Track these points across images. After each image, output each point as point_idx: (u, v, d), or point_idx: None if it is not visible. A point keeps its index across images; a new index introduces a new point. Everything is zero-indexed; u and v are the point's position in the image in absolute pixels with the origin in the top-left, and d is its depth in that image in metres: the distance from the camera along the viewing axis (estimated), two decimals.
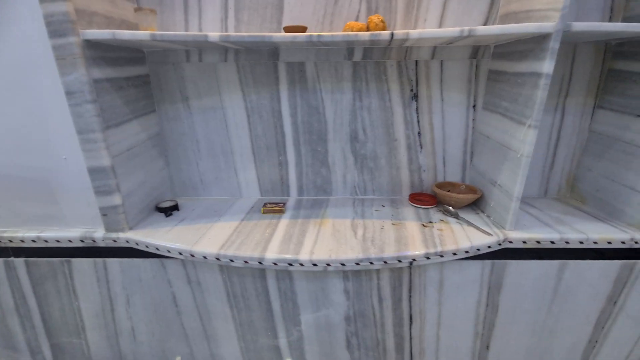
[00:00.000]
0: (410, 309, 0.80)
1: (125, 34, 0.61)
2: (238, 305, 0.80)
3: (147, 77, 0.83)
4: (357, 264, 0.65)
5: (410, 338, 0.84)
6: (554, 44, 0.59)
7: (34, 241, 0.74)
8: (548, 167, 0.91)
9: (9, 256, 0.77)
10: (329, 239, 0.71)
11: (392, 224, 0.78)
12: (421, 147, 0.90)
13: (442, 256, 0.67)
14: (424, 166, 0.92)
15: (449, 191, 0.89)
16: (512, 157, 0.72)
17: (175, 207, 0.86)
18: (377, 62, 0.82)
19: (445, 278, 0.76)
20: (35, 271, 0.78)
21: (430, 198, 0.89)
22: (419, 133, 0.88)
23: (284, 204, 0.87)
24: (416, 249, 0.66)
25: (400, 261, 0.65)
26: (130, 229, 0.76)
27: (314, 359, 0.87)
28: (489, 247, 0.70)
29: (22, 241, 0.74)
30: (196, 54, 0.82)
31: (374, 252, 0.65)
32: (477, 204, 0.88)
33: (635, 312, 0.79)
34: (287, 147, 0.90)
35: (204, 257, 0.67)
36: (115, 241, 0.73)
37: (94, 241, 0.74)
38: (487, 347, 0.85)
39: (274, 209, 0.84)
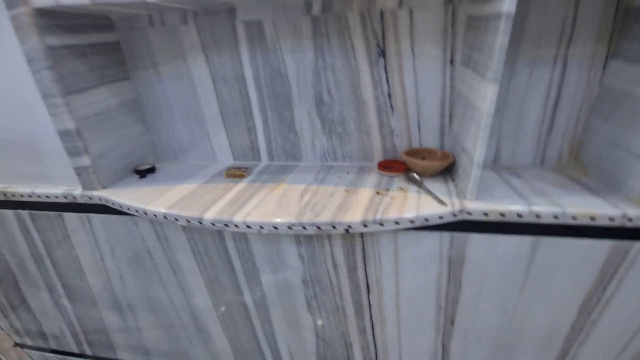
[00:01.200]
0: (367, 278, 0.78)
1: (66, 0, 0.63)
2: (203, 262, 0.85)
3: (116, 44, 0.87)
4: (290, 227, 0.64)
5: (370, 306, 0.83)
6: None
7: (30, 196, 0.85)
8: (545, 132, 0.77)
9: (17, 208, 0.90)
10: (272, 204, 0.70)
11: (345, 190, 0.74)
12: (392, 110, 0.82)
13: (381, 224, 0.63)
14: (396, 131, 0.84)
15: (423, 158, 0.81)
16: (477, 117, 0.62)
17: (151, 170, 0.92)
18: (338, 15, 0.75)
19: (400, 248, 0.72)
20: (38, 222, 0.91)
21: (401, 165, 0.82)
22: (389, 94, 0.80)
23: (247, 168, 0.88)
24: (354, 217, 0.63)
25: (334, 227, 0.63)
26: (104, 187, 0.83)
27: (278, 318, 0.91)
28: (441, 217, 0.64)
29: (22, 195, 0.86)
30: (158, 18, 0.82)
31: (307, 218, 0.63)
32: (451, 171, 0.80)
33: (631, 301, 0.68)
34: (254, 111, 0.89)
35: (154, 215, 0.72)
36: (90, 198, 0.82)
37: (74, 198, 0.83)
38: (452, 323, 0.80)
39: (236, 173, 0.85)
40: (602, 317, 0.71)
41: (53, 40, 0.69)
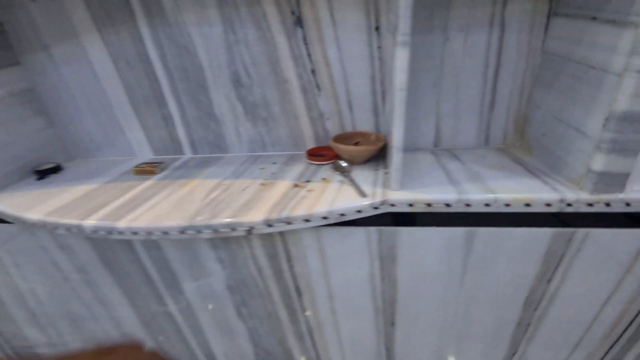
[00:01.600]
0: (295, 280, 0.69)
1: None
2: (115, 272, 0.75)
3: None
4: (182, 232, 0.54)
5: (303, 310, 0.74)
6: None
7: None
8: (487, 107, 0.69)
9: None
10: (171, 204, 0.60)
11: (261, 184, 0.65)
12: (319, 89, 0.72)
13: (289, 223, 0.53)
14: (326, 113, 0.75)
15: (357, 143, 0.72)
16: (392, 92, 0.53)
17: (55, 170, 0.81)
18: None
19: (325, 246, 0.63)
20: None
21: (332, 152, 0.73)
22: (312, 71, 0.70)
23: (162, 163, 0.77)
24: (257, 216, 0.53)
25: (233, 229, 0.54)
26: None
27: (209, 327, 0.82)
28: (359, 211, 0.55)
29: None
30: None
31: (202, 220, 0.53)
32: (386, 157, 0.71)
33: (580, 294, 0.61)
34: (167, 98, 0.78)
35: (33, 225, 0.61)
36: None
37: None
38: (392, 324, 0.73)
39: (145, 169, 0.74)
40: (549, 312, 0.64)
41: None
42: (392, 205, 0.56)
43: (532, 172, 0.59)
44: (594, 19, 0.48)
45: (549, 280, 0.60)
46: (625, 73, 0.42)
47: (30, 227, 0.64)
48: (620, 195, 0.49)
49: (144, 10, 0.69)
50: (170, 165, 0.80)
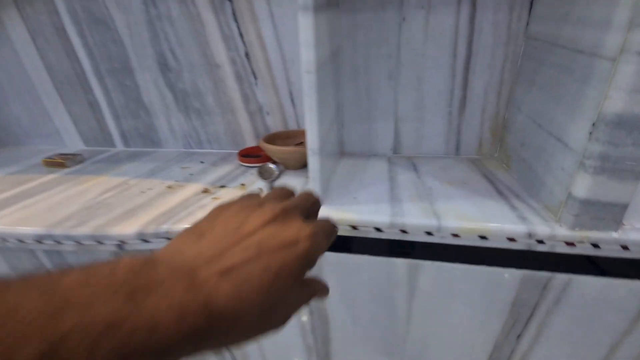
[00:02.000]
0: None
1: None
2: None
3: None
4: (39, 241, 0.43)
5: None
6: None
7: None
8: (457, 107, 0.55)
9: None
10: (51, 204, 0.49)
11: (168, 187, 0.53)
12: (255, 77, 0.60)
13: (169, 239, 0.42)
14: (266, 106, 0.63)
15: (300, 144, 0.60)
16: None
17: None
18: None
19: None
20: None
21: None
22: (246, 54, 0.58)
23: (78, 155, 0.67)
24: (132, 227, 0.42)
25: (100, 243, 0.42)
26: None
27: None
28: None
29: None
30: None
31: (62, 228, 0.42)
32: None
33: (557, 357, 0.46)
34: (90, 80, 0.68)
35: None
36: None
37: None
38: None
39: (55, 161, 0.65)
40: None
41: None
42: None
43: (502, 192, 0.45)
44: None
45: (519, 336, 0.46)
46: (621, 56, 0.28)
47: None
48: (614, 235, 0.35)
49: None
50: (92, 158, 0.70)
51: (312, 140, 0.39)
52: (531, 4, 0.46)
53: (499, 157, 0.56)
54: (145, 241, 0.42)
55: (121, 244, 0.42)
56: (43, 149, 0.78)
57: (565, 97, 0.37)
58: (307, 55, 0.34)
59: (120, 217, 0.44)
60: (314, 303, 0.52)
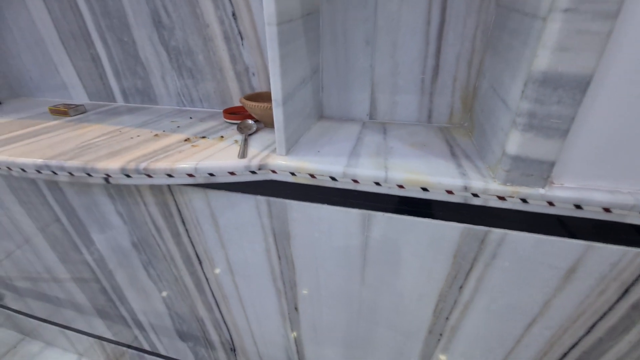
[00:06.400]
0: (194, 247, 0.64)
1: None
2: (32, 213, 0.73)
3: None
4: (38, 171, 0.49)
5: (207, 280, 0.69)
6: None
7: None
8: (430, 74, 0.57)
9: None
10: (51, 143, 0.55)
11: (155, 135, 0.58)
12: (242, 37, 0.63)
13: (149, 176, 0.47)
14: (252, 67, 0.66)
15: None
16: None
17: None
18: None
19: (216, 213, 0.57)
20: None
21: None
22: (233, 14, 0.61)
23: (80, 106, 0.73)
24: (117, 163, 0.47)
25: (89, 175, 0.48)
26: None
27: (124, 283, 0.80)
28: (232, 173, 0.47)
29: None
30: None
31: (57, 160, 0.48)
32: None
33: (497, 309, 0.50)
34: (92, 35, 0.72)
35: None
36: None
37: None
38: (296, 309, 0.66)
39: (59, 109, 0.71)
40: (464, 324, 0.54)
41: None
42: (273, 172, 0.47)
43: (455, 154, 0.48)
44: None
45: (461, 287, 0.50)
46: (549, 15, 0.30)
47: None
48: (541, 191, 0.38)
49: None
50: (94, 110, 0.76)
51: (275, 91, 0.42)
52: None
53: (468, 126, 0.58)
54: (128, 176, 0.47)
55: (107, 177, 0.48)
56: (52, 101, 0.84)
57: (512, 60, 0.39)
58: (267, 7, 0.37)
59: (108, 155, 0.50)
60: (282, 249, 0.57)
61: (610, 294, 0.44)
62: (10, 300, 1.11)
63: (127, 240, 0.69)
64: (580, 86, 0.31)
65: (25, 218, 0.76)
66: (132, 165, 0.46)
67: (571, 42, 0.30)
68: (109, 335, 1.01)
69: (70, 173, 0.48)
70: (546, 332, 0.50)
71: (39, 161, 0.48)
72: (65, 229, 0.73)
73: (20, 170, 0.50)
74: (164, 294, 0.78)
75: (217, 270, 0.66)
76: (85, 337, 1.05)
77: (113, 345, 1.03)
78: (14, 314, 1.15)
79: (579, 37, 0.30)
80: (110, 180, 0.48)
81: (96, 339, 1.04)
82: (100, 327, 0.99)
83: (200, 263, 0.67)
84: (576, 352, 0.51)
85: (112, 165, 0.47)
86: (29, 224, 0.77)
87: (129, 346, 1.01)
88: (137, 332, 0.94)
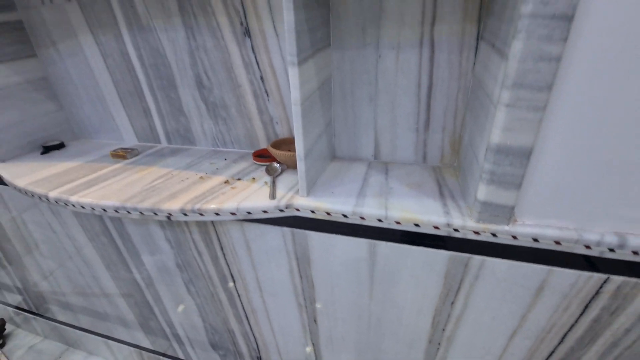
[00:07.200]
0: (229, 268, 0.77)
1: None
2: (93, 238, 0.88)
3: (19, 22, 0.89)
4: (116, 211, 0.63)
5: (239, 296, 0.82)
6: None
7: None
8: (422, 125, 0.69)
9: None
10: (120, 186, 0.70)
11: (200, 177, 0.72)
12: (267, 95, 0.77)
13: (201, 214, 0.60)
14: (275, 118, 0.80)
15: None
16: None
17: (58, 147, 0.96)
18: None
19: (250, 241, 0.69)
20: None
21: None
22: (261, 78, 0.75)
23: (133, 150, 0.88)
24: (177, 204, 0.61)
25: (155, 214, 0.62)
26: (2, 161, 0.88)
27: (167, 298, 0.93)
28: (265, 211, 0.60)
29: None
30: None
31: (131, 202, 0.62)
32: None
33: (484, 322, 0.60)
34: (145, 93, 0.88)
35: (19, 190, 0.75)
36: None
37: None
38: (315, 322, 0.77)
39: (119, 153, 0.86)
40: (458, 335, 0.64)
41: None
42: (297, 210, 0.60)
43: (443, 194, 0.59)
44: (493, 46, 0.47)
45: (453, 303, 0.60)
46: (497, 105, 0.42)
47: (19, 192, 0.78)
48: (506, 227, 0.49)
49: (124, 16, 0.79)
50: (144, 152, 0.91)
51: (299, 149, 0.55)
52: (476, 50, 0.59)
53: (457, 166, 0.69)
54: (185, 214, 0.61)
55: (169, 215, 0.61)
56: (107, 143, 1.01)
57: (480, 125, 0.50)
58: (294, 94, 0.51)
59: (168, 197, 0.64)
60: (303, 271, 0.69)
61: (573, 309, 0.53)
62: (57, 313, 1.26)
63: (172, 262, 0.83)
64: (525, 154, 0.43)
65: (86, 241, 0.90)
66: (188, 207, 0.60)
67: (514, 125, 0.42)
68: (147, 344, 1.14)
69: (141, 213, 0.62)
70: (526, 342, 0.60)
71: (117, 204, 0.62)
72: (120, 252, 0.87)
73: (102, 210, 0.65)
74: (200, 307, 0.90)
75: (249, 288, 0.78)
76: (125, 346, 1.19)
77: (150, 353, 1.15)
78: (60, 325, 1.30)
79: (519, 122, 0.41)
80: (172, 218, 0.62)
81: (135, 348, 1.17)
82: (140, 337, 1.12)
83: (234, 281, 0.79)
84: (555, 359, 0.60)
85: (174, 206, 0.60)
86: (90, 247, 0.91)
87: (164, 355, 1.13)
88: (173, 341, 1.06)
